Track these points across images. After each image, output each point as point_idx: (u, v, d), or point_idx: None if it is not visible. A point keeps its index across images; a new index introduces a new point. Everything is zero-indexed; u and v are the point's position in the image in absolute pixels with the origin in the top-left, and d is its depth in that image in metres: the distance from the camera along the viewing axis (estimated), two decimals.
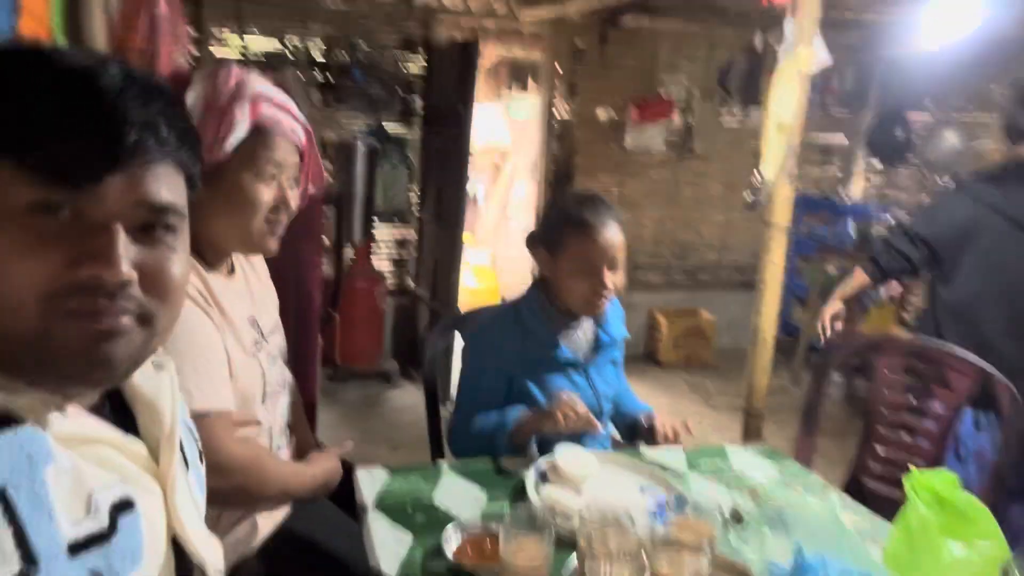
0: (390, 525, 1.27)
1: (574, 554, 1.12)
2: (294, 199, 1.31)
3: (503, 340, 1.64)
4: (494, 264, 6.36)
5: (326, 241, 3.56)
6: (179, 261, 0.66)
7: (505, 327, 1.65)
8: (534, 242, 1.68)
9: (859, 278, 2.49)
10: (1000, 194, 2.18)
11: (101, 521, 0.61)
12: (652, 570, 1.02)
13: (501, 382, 1.62)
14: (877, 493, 1.97)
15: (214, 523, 1.27)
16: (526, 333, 1.63)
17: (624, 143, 4.69)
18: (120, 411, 0.72)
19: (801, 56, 2.32)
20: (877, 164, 5.09)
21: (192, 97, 1.19)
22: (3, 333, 0.59)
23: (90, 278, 0.59)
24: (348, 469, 1.59)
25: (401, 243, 4.47)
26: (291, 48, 3.96)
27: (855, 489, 2.01)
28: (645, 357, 4.83)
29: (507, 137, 6.31)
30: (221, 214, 1.24)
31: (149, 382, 0.74)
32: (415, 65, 4.19)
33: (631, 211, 4.87)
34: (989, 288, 2.18)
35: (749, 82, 4.73)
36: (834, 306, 2.50)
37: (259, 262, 1.51)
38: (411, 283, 4.46)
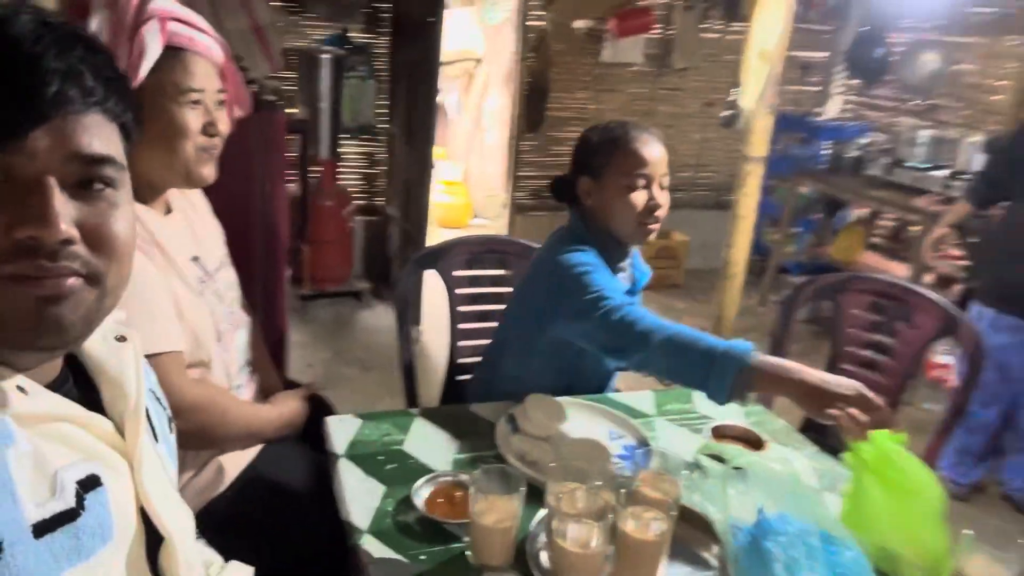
0: (361, 475, 1.28)
1: (542, 510, 1.15)
2: (223, 122, 1.27)
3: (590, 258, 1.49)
4: (466, 179, 6.24)
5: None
6: (122, 216, 0.64)
7: (584, 245, 1.51)
8: (567, 182, 1.59)
9: (963, 209, 2.79)
10: None
11: (67, 500, 0.60)
12: (618, 528, 1.04)
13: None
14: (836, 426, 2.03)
15: (180, 466, 1.27)
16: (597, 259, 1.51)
17: (601, 56, 4.53)
18: (84, 387, 0.71)
19: None
20: (855, 82, 5.01)
21: (95, 24, 1.12)
22: None
23: (28, 239, 0.57)
24: (319, 406, 1.59)
25: (370, 160, 4.34)
26: None
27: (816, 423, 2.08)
28: None
29: (480, 44, 6.06)
30: (150, 146, 1.19)
31: (112, 357, 0.72)
32: None
33: None
34: None
35: None
36: (939, 232, 2.87)
37: (199, 199, 1.46)
38: (381, 200, 4.37)
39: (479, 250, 2.08)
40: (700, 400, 1.67)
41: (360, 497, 1.22)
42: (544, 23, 4.40)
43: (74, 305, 0.60)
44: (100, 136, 0.61)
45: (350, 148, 4.23)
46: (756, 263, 4.96)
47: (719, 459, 1.21)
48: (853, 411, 1.13)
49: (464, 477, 1.25)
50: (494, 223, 5.64)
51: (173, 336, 1.21)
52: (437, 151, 6.31)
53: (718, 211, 5.16)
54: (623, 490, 1.07)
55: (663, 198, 1.51)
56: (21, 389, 0.61)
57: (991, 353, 2.47)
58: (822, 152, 4.67)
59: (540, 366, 1.62)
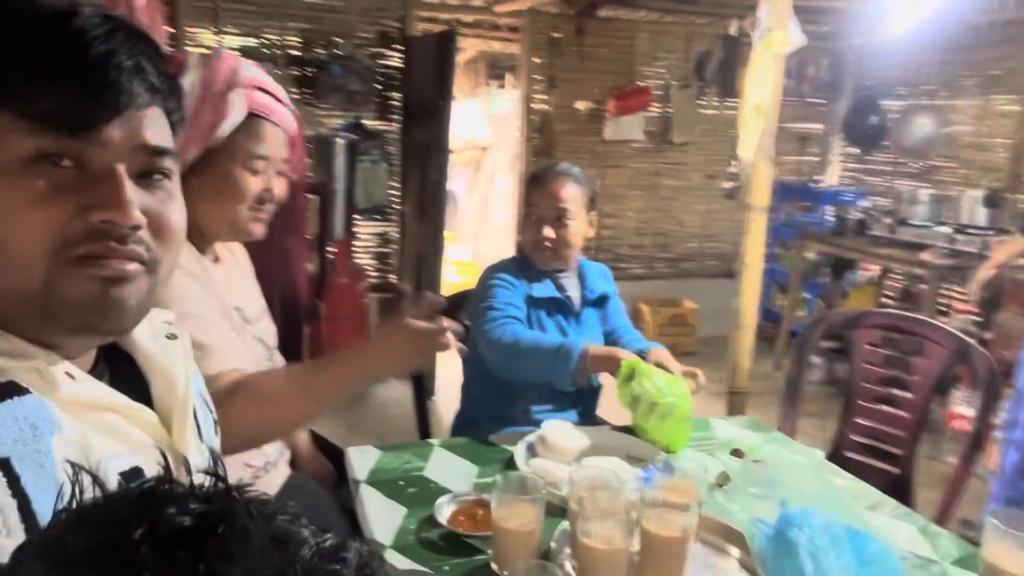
0: (383, 498, 1.29)
1: (565, 521, 1.15)
2: (279, 188, 1.32)
3: (511, 274, 1.79)
4: (476, 260, 6.37)
5: (310, 236, 3.55)
6: (178, 206, 0.67)
7: (510, 267, 1.82)
8: None
9: (1018, 245, 2.51)
10: None
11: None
12: (642, 528, 1.04)
13: (521, 302, 1.74)
14: (859, 463, 2.01)
15: None
16: (526, 274, 1.79)
17: (604, 134, 4.72)
18: (133, 381, 0.72)
19: (776, 39, 2.36)
20: (853, 150, 5.16)
21: (189, 82, 1.20)
22: (12, 291, 0.60)
23: (102, 223, 0.60)
24: (337, 454, 1.60)
25: (383, 239, 4.47)
26: (267, 43, 3.95)
27: (837, 461, 2.05)
28: None
29: (486, 133, 6.34)
30: (208, 201, 1.25)
31: (164, 352, 0.74)
32: (393, 59, 4.19)
33: (613, 203, 4.90)
34: None
35: (725, 72, 4.78)
36: (989, 270, 2.56)
37: (242, 254, 1.52)
38: (394, 278, 4.46)
39: None
40: (719, 427, 1.67)
41: (382, 518, 1.23)
42: (547, 106, 4.61)
43: (133, 289, 0.63)
44: (161, 130, 0.64)
45: (364, 228, 4.36)
46: (768, 329, 4.99)
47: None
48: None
49: (485, 496, 1.25)
50: None
51: (241, 354, 1.23)
52: (446, 234, 6.51)
53: (727, 279, 5.22)
54: (645, 492, 1.08)
55: (550, 232, 1.76)
56: (69, 375, 0.62)
57: None
58: (826, 218, 4.76)
59: (491, 385, 1.75)
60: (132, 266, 0.62)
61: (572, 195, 1.76)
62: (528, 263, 1.82)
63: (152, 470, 0.64)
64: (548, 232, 1.75)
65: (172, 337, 0.76)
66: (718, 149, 4.97)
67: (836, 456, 2.05)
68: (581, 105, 4.62)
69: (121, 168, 0.61)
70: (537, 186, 1.79)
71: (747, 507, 1.09)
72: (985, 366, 1.87)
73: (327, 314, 3.85)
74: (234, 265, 1.46)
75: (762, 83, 2.39)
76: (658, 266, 5.13)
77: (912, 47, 4.50)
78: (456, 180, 6.69)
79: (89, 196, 0.59)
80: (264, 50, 3.95)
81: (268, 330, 1.48)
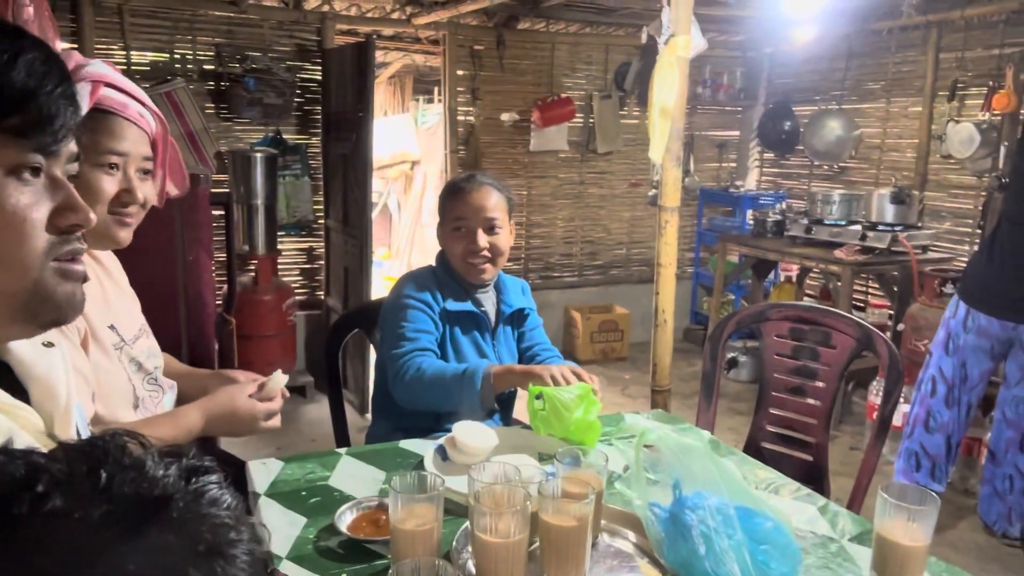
0: (282, 509, 1.24)
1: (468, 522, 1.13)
2: (144, 191, 1.27)
3: (426, 288, 1.72)
4: None
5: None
6: None
7: (426, 279, 1.76)
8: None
9: None
10: None
11: None
12: (540, 519, 1.03)
13: (433, 325, 1.69)
14: (773, 452, 2.05)
15: None
16: (442, 288, 1.74)
17: (529, 145, 4.75)
18: (4, 386, 0.71)
19: (678, 43, 2.41)
20: (770, 155, 5.33)
21: None
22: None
23: (72, 226, 0.68)
24: (239, 468, 1.54)
25: (309, 254, 4.39)
26: (179, 59, 3.85)
27: (753, 451, 2.09)
28: (563, 354, 4.87)
29: (416, 147, 6.31)
30: None
31: (42, 359, 0.75)
32: (312, 71, 4.14)
33: (542, 212, 4.94)
34: None
35: (644, 81, 4.88)
36: None
37: (116, 269, 1.45)
38: (321, 294, 4.38)
39: None
40: (629, 420, 1.68)
41: (280, 529, 1.18)
42: (472, 118, 4.62)
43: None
44: None
45: (289, 243, 4.27)
46: (698, 332, 5.10)
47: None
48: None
49: (387, 500, 1.23)
50: None
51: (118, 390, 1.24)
52: (383, 251, 6.44)
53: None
54: (545, 485, 1.07)
55: (485, 241, 1.71)
56: None
57: (959, 351, 2.62)
58: (746, 221, 4.90)
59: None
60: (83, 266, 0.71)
61: (498, 203, 1.74)
62: (446, 274, 1.76)
63: None
64: (484, 241, 1.70)
65: (49, 345, 0.77)
66: (640, 157, 5.06)
67: (753, 447, 2.09)
68: (506, 117, 4.65)
69: (67, 178, 0.69)
70: (460, 197, 1.72)
71: (644, 493, 1.10)
72: (887, 350, 1.94)
73: (253, 332, 3.74)
74: (106, 279, 1.39)
75: (667, 86, 2.44)
76: (588, 273, 5.18)
77: (819, 54, 4.69)
78: (390, 196, 6.64)
79: (57, 202, 0.67)
80: (176, 65, 3.85)
81: (147, 350, 1.41)
